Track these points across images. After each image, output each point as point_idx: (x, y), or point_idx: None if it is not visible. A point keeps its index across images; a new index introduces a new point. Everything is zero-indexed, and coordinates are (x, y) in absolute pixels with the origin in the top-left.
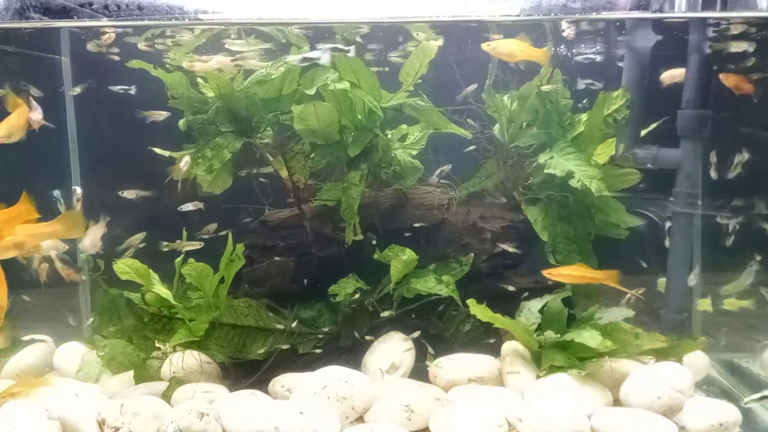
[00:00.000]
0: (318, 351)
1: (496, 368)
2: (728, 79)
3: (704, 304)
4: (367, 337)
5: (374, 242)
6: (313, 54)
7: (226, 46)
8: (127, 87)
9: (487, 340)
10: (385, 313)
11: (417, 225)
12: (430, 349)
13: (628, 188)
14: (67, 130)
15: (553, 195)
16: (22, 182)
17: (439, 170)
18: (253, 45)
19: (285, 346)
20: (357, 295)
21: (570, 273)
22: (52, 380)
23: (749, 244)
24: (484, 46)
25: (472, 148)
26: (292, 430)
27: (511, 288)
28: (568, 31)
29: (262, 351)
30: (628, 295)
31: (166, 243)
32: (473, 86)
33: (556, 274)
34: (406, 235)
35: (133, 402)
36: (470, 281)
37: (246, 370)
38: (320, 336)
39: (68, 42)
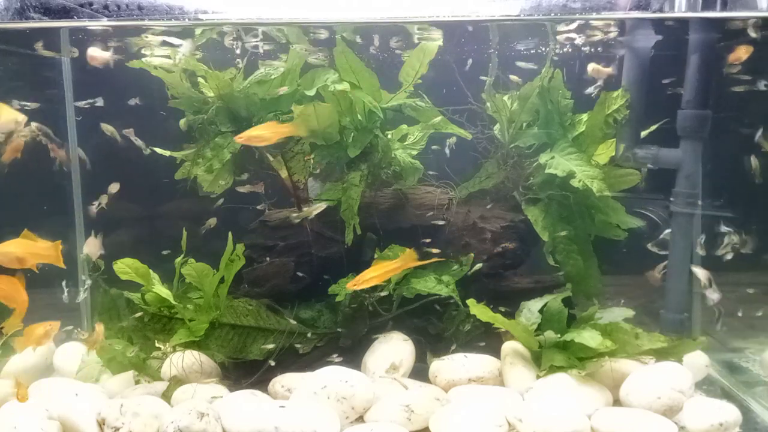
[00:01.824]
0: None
1: (496, 368)
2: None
3: None
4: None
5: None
6: (176, 41)
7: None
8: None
9: (487, 339)
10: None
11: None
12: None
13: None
14: (68, 136)
15: (554, 195)
16: (21, 191)
17: (448, 142)
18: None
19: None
20: (377, 292)
21: (373, 275)
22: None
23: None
24: (238, 140)
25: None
26: (292, 430)
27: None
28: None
29: (265, 349)
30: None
31: (296, 215)
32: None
33: (361, 281)
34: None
35: (133, 402)
36: (470, 281)
37: (246, 370)
38: (314, 335)
39: (68, 42)
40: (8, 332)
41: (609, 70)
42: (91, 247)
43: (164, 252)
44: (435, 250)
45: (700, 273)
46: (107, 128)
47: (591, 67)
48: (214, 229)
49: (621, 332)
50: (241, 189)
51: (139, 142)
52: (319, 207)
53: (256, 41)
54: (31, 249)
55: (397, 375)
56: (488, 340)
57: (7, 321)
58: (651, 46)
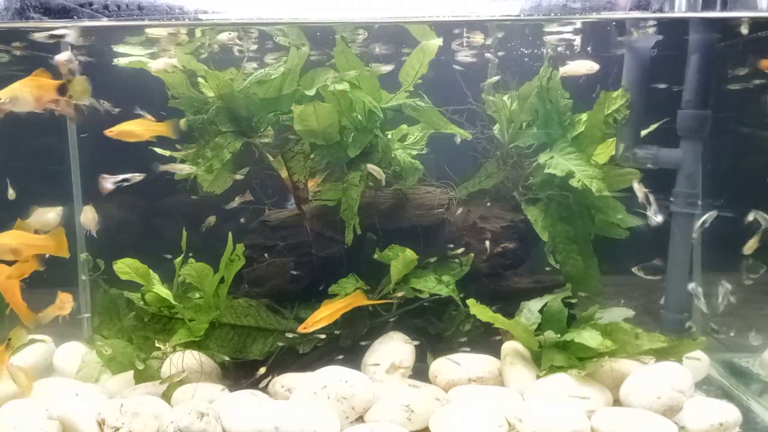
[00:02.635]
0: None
1: (496, 368)
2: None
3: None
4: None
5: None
6: (60, 33)
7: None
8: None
9: (487, 340)
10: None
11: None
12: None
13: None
14: (68, 132)
15: (553, 195)
16: (22, 183)
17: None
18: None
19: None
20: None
21: (322, 315)
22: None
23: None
24: (108, 133)
25: None
26: (292, 430)
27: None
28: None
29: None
30: None
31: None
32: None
33: (311, 324)
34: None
35: (133, 402)
36: (470, 281)
37: (246, 370)
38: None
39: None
40: (15, 345)
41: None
42: (87, 217)
43: (167, 256)
44: (459, 250)
45: (639, 190)
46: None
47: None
48: (218, 228)
49: (621, 332)
50: (232, 204)
51: (106, 105)
52: (376, 170)
53: (231, 44)
54: (26, 240)
55: (404, 374)
56: (488, 340)
57: (13, 332)
58: (651, 46)
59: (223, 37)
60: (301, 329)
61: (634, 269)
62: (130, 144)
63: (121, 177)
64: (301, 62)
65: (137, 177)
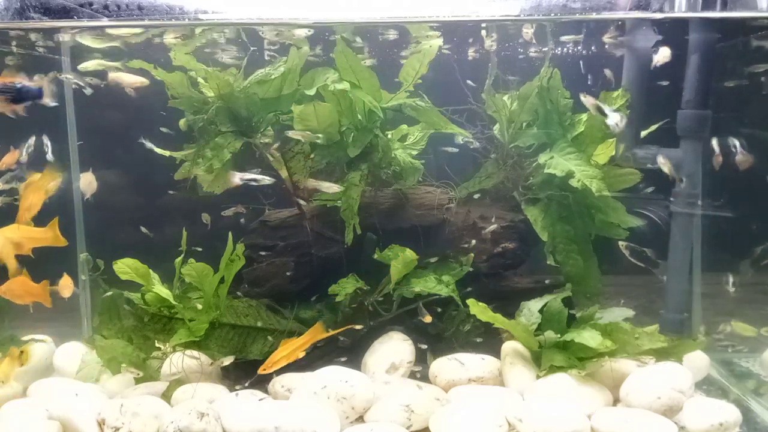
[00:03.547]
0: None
1: (496, 368)
2: None
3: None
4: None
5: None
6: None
7: None
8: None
9: (488, 340)
10: None
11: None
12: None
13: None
14: (67, 126)
15: (553, 195)
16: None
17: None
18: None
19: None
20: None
21: (282, 354)
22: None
23: (749, 244)
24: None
25: None
26: (292, 430)
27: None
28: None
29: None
30: None
31: None
32: None
33: (271, 364)
34: None
35: (133, 402)
36: (470, 281)
37: (246, 370)
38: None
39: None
40: (26, 360)
41: None
42: (86, 183)
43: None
44: (472, 242)
45: (588, 102)
46: (69, 77)
47: None
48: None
49: (621, 332)
50: (227, 212)
51: (88, 80)
52: (300, 135)
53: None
54: (27, 234)
55: (404, 374)
56: (488, 340)
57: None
58: (651, 46)
59: (301, 32)
60: (261, 371)
61: (621, 244)
62: (127, 135)
63: (249, 176)
64: (301, 62)
65: (266, 180)
